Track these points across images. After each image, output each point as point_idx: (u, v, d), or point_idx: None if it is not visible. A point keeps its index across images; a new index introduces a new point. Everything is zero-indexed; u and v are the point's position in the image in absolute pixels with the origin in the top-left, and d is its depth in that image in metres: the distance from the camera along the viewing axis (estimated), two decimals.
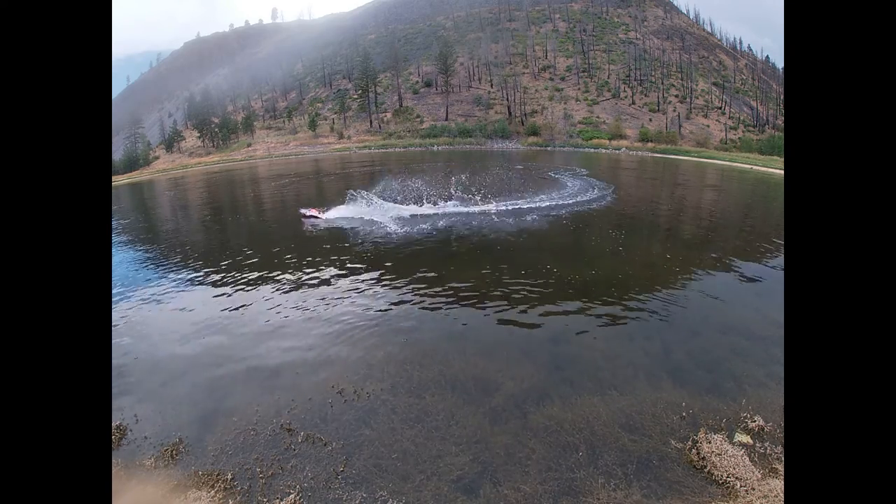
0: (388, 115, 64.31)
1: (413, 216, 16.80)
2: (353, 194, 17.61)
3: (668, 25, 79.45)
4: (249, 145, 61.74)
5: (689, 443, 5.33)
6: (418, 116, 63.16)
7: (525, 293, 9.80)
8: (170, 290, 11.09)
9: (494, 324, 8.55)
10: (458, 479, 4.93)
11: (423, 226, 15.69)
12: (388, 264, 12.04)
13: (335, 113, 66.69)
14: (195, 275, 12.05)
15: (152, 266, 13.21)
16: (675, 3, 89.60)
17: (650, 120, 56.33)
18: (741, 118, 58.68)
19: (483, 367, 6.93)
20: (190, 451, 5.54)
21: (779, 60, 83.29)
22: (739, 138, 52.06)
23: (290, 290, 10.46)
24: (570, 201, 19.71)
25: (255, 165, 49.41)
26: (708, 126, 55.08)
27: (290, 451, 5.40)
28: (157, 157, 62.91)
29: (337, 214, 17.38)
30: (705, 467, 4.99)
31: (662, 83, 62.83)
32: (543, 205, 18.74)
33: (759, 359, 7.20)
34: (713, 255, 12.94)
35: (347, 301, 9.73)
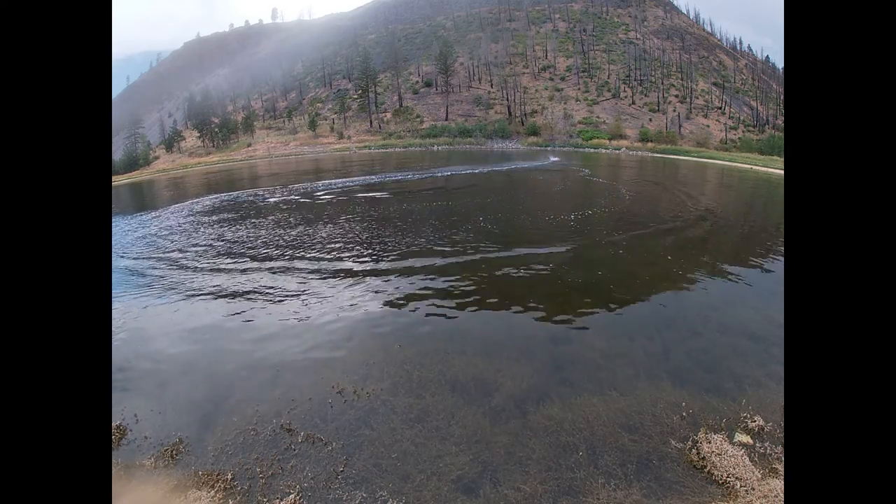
0: (388, 115, 64.29)
1: None
2: None
3: (668, 25, 79.47)
4: (249, 145, 61.72)
5: (689, 443, 5.33)
6: (418, 116, 63.14)
7: (525, 293, 9.79)
8: (169, 290, 11.08)
9: (494, 324, 8.55)
10: (458, 479, 4.93)
11: (424, 227, 15.68)
12: (387, 264, 12.04)
13: (335, 113, 66.66)
14: (194, 275, 12.05)
15: (151, 266, 13.20)
16: (675, 3, 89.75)
17: (650, 120, 56.33)
18: (741, 118, 58.68)
19: (483, 367, 6.92)
20: (190, 451, 5.54)
21: (779, 60, 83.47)
22: (739, 138, 52.07)
23: (290, 291, 10.46)
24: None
25: (255, 165, 49.40)
26: (708, 126, 55.07)
27: (290, 451, 5.39)
28: (157, 157, 62.86)
29: None
30: (705, 467, 4.98)
31: (662, 83, 62.84)
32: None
33: (759, 359, 7.19)
34: (713, 255, 12.94)
35: (347, 301, 9.73)
